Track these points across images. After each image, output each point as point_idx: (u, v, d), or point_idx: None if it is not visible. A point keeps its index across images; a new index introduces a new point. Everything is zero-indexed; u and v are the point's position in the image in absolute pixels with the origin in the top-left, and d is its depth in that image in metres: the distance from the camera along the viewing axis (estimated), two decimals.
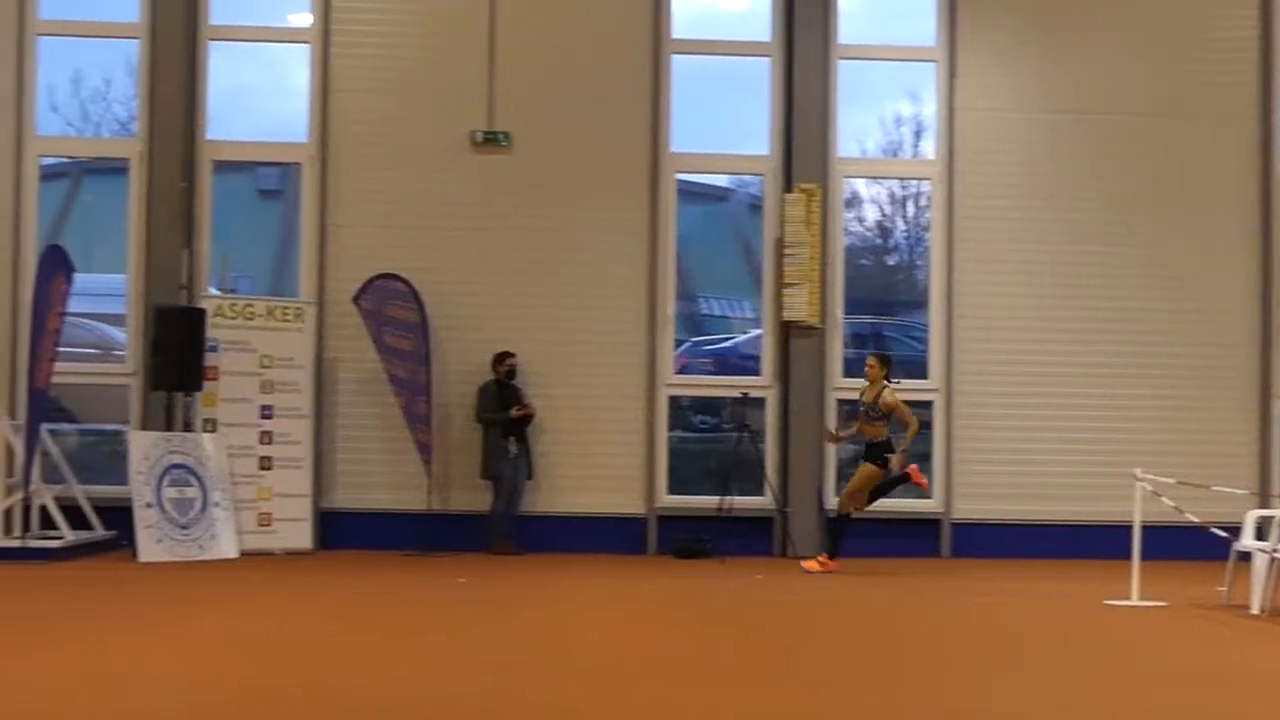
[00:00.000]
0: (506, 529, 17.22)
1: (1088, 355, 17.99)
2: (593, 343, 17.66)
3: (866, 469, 15.99)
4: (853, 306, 18.35)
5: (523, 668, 9.70)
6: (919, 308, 18.96)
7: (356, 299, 17.29)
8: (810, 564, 16.01)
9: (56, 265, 15.90)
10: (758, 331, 18.36)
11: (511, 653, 10.36)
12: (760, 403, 17.94)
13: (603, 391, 17.62)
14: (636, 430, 17.73)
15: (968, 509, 17.96)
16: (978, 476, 17.96)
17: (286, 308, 17.30)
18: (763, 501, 17.72)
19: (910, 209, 19.83)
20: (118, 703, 8.33)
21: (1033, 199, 18.17)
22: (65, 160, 19.00)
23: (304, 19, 17.89)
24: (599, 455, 17.57)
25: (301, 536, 17.06)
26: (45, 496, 16.01)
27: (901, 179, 19.32)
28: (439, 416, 17.32)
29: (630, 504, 17.70)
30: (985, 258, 18.08)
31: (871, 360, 16.19)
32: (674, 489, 17.82)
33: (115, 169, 18.30)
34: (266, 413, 17.03)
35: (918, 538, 17.81)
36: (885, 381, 15.99)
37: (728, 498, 17.45)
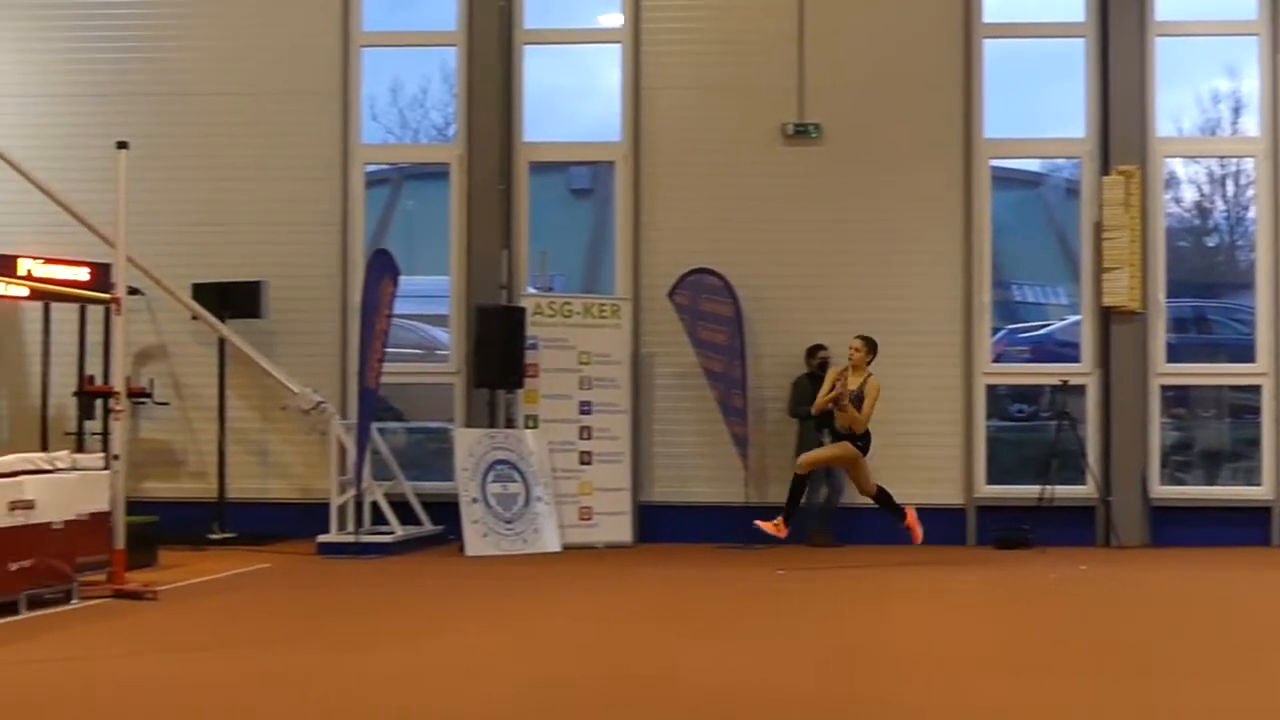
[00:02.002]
0: (823, 521, 17.22)
1: None
2: (908, 333, 17.47)
3: (846, 446, 15.24)
4: (1172, 289, 17.86)
5: (847, 661, 9.71)
6: (1242, 289, 18.38)
7: (671, 294, 17.46)
8: (766, 524, 15.14)
9: (384, 269, 16.39)
10: (1076, 317, 18.02)
11: (835, 646, 10.38)
12: (1080, 390, 17.61)
13: (919, 382, 17.44)
14: (954, 420, 17.55)
15: None
16: None
17: (603, 304, 17.55)
18: (1084, 490, 17.39)
19: (1230, 188, 19.24)
20: (449, 694, 8.57)
21: None
22: (386, 167, 19.54)
23: (614, 19, 18.13)
24: (916, 446, 17.41)
25: (621, 530, 17.28)
26: (376, 493, 16.50)
27: (1222, 157, 18.73)
28: (754, 409, 17.39)
29: (949, 494, 17.53)
30: None
31: (857, 343, 15.38)
32: (993, 479, 17.60)
33: (434, 173, 18.79)
34: (585, 408, 17.29)
35: (1248, 526, 17.25)
36: (869, 369, 15.27)
37: (1048, 487, 17.16)
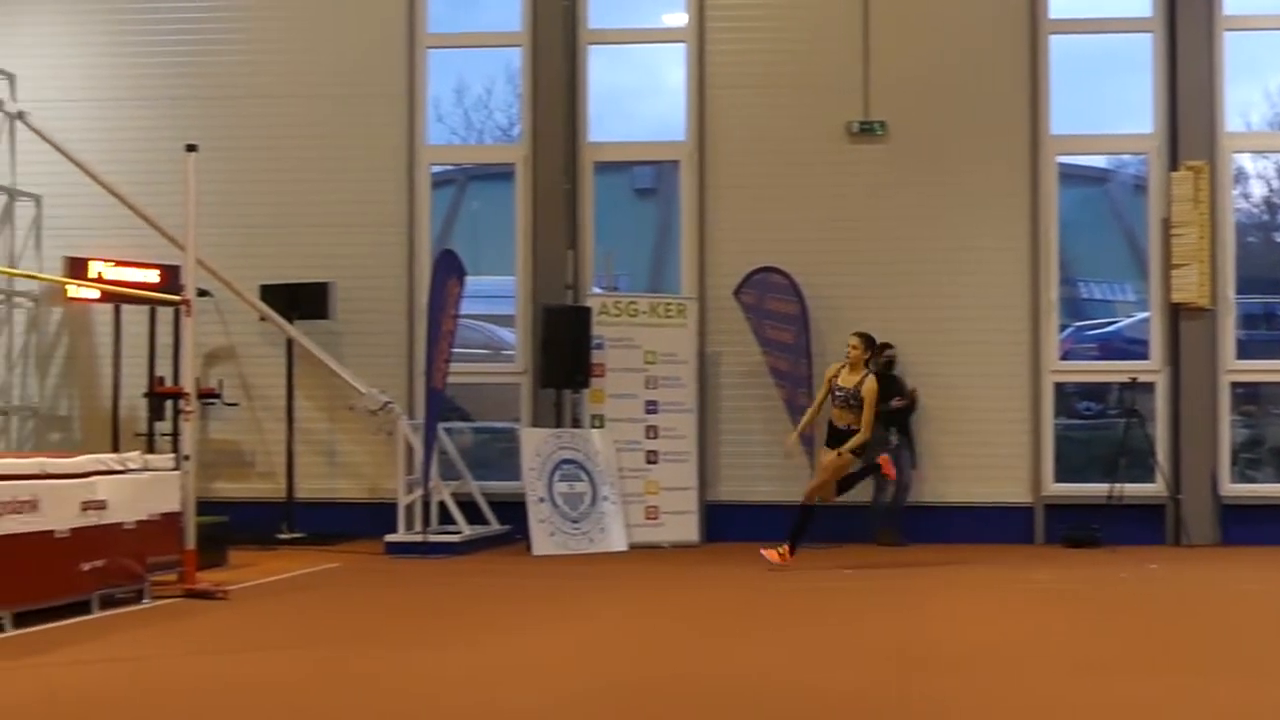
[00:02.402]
0: (891, 520, 17.17)
1: None
2: (974, 330, 17.44)
3: (836, 459, 14.77)
4: (1241, 285, 17.69)
5: (904, 660, 9.66)
6: None
7: (737, 293, 17.45)
8: (770, 553, 14.76)
9: (450, 269, 16.44)
10: (1144, 314, 17.89)
11: (901, 645, 10.33)
12: (1149, 387, 17.48)
13: (985, 379, 17.41)
14: (1021, 418, 17.45)
15: None
16: None
17: (669, 304, 17.54)
18: (1154, 488, 17.27)
19: None
20: (516, 694, 8.59)
21: None
22: (450, 167, 19.58)
23: (679, 18, 18.13)
24: (983, 444, 17.36)
25: (688, 529, 17.27)
26: (443, 492, 16.55)
27: None
28: None
29: (1016, 493, 17.44)
30: None
31: (855, 340, 14.85)
32: (1061, 477, 17.50)
33: (498, 174, 18.85)
34: (651, 408, 17.30)
35: None
36: (867, 366, 14.87)
37: (1117, 485, 17.04)
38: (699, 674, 9.16)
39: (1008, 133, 17.58)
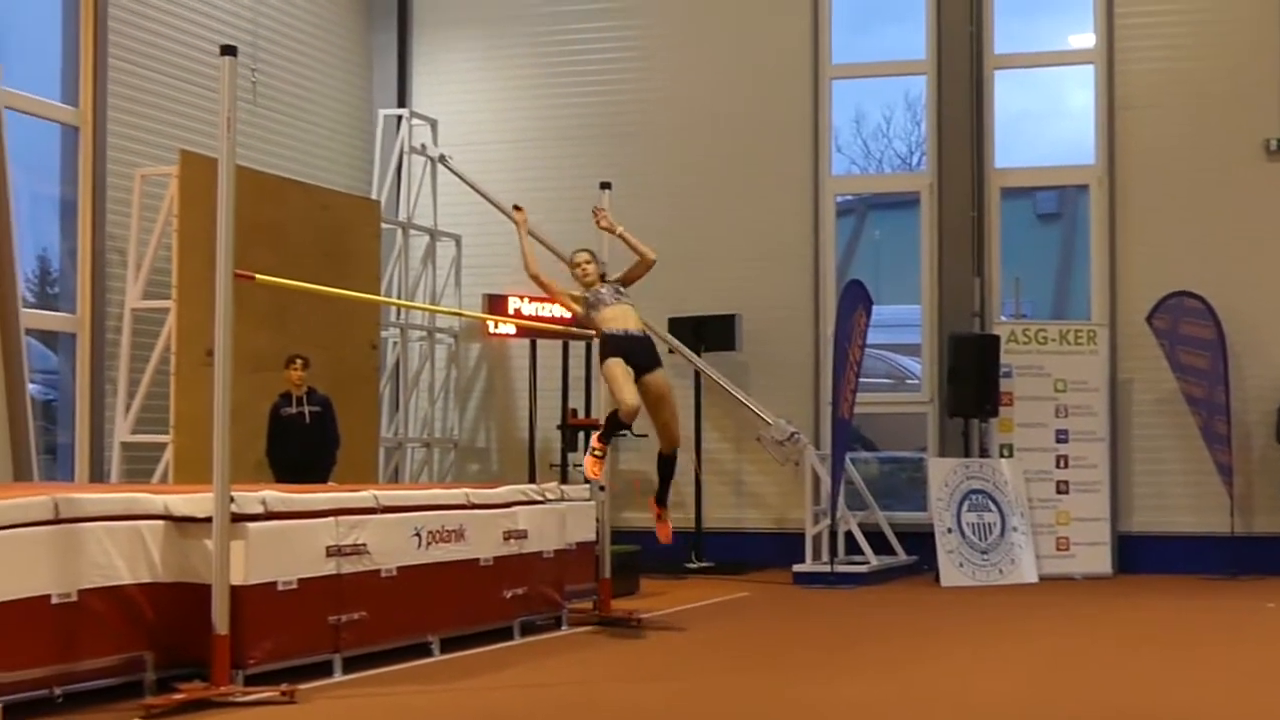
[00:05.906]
0: None
1: None
2: None
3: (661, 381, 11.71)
4: None
5: None
6: None
7: (1150, 318, 16.99)
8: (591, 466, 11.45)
9: (857, 299, 16.47)
10: None
11: None
12: None
13: None
14: None
15: None
16: None
17: (1079, 330, 17.20)
18: None
19: None
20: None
21: None
22: (850, 197, 19.57)
23: (1086, 39, 17.82)
24: None
25: (1100, 561, 16.88)
26: (850, 523, 16.56)
27: None
28: (1239, 436, 16.74)
29: None
30: None
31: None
32: None
33: (898, 203, 18.78)
34: (1061, 436, 16.99)
35: None
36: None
37: None
38: (1125, 708, 8.93)
39: None
